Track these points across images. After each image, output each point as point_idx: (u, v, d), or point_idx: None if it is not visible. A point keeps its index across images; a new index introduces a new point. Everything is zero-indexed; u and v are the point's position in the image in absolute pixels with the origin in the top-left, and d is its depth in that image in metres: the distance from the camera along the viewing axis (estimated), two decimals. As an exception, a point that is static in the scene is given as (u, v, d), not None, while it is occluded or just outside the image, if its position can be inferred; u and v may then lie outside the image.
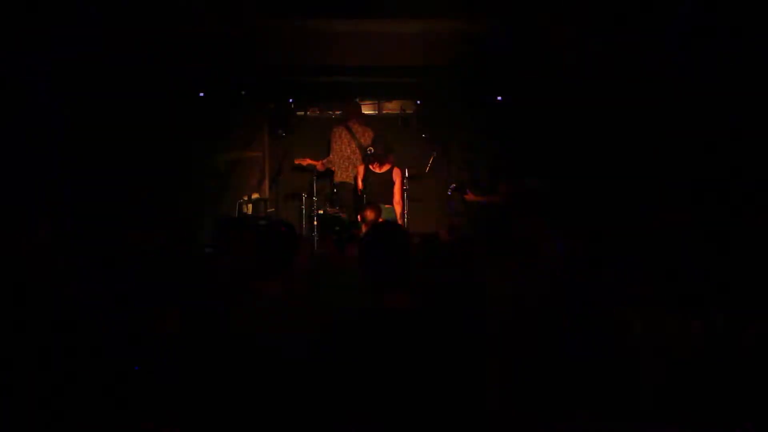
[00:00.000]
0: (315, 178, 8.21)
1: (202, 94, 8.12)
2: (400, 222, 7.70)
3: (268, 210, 8.32)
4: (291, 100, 8.56)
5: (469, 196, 7.56)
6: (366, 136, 7.94)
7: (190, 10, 4.60)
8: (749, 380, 2.39)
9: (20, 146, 5.24)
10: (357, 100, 8.70)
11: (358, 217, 6.73)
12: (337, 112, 8.82)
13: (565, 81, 6.21)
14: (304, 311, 2.64)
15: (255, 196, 8.23)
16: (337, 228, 6.91)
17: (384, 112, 9.07)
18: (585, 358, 2.44)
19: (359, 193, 7.60)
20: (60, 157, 5.59)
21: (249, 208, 7.92)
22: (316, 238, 7.39)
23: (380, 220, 6.24)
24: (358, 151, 7.95)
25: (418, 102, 8.73)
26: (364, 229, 6.00)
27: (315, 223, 8.02)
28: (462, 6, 5.14)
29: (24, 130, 5.29)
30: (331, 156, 8.09)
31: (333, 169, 8.06)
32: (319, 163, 8.10)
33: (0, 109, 5.15)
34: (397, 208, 7.60)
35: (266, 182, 8.73)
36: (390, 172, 7.56)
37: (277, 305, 2.67)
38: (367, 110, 8.84)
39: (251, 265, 2.94)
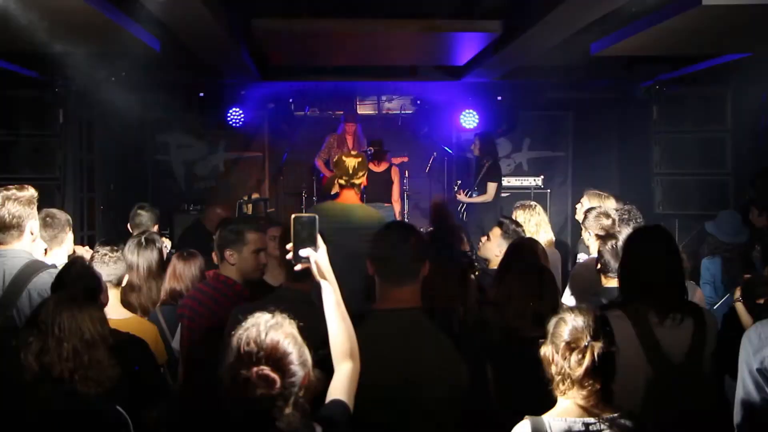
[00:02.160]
0: (314, 178, 8.21)
1: (201, 95, 8.13)
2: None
3: (269, 210, 8.31)
4: (291, 100, 8.55)
5: (461, 196, 7.59)
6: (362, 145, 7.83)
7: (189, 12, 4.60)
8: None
9: None
10: (356, 110, 8.65)
11: None
12: (338, 112, 8.81)
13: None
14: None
15: (255, 196, 8.22)
16: None
17: (384, 112, 9.07)
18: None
19: (357, 196, 7.57)
20: None
21: (249, 208, 7.91)
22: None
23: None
24: None
25: (418, 102, 8.73)
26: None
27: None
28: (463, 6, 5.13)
29: None
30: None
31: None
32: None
33: None
34: (396, 207, 7.58)
35: (266, 182, 8.73)
36: (388, 171, 7.55)
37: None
38: (367, 110, 8.83)
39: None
